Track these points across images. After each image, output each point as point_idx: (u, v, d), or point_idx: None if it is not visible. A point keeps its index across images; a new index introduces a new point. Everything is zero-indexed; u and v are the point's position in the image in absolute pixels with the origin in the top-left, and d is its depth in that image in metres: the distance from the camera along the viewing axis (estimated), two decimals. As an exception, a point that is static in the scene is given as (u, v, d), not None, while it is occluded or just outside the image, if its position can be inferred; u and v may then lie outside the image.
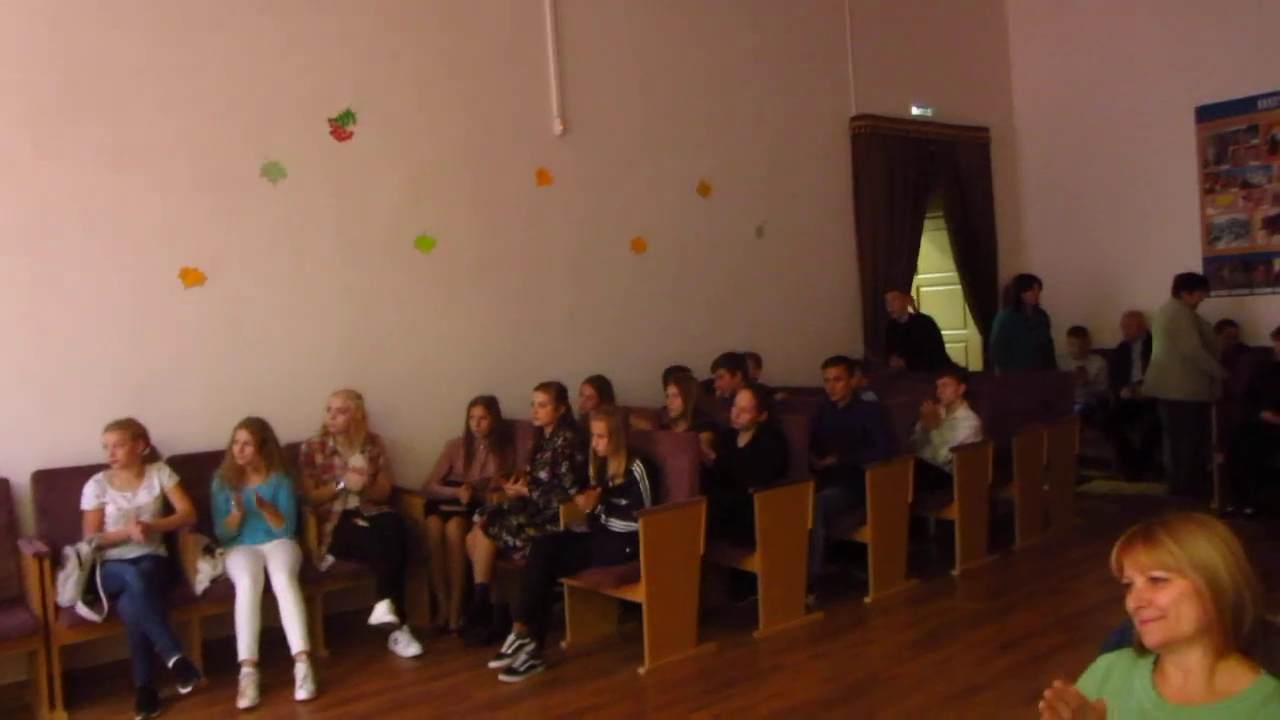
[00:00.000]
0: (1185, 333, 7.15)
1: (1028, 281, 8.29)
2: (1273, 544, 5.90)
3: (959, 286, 8.91)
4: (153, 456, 4.73)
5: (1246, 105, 8.03)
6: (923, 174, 8.51)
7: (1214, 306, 7.92)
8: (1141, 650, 1.84)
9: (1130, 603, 1.79)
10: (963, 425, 5.99)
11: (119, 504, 4.52)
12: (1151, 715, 1.78)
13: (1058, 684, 1.69)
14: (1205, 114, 8.26)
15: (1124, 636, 1.88)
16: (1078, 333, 8.57)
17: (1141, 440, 8.06)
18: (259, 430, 4.79)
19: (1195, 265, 8.24)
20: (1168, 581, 1.74)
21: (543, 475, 5.24)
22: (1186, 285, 7.38)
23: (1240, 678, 1.73)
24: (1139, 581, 1.77)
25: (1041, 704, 1.67)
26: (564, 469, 5.20)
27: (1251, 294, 8.13)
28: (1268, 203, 8.01)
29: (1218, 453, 6.90)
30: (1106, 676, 1.90)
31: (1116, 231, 8.79)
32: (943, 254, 9.10)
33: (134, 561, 4.37)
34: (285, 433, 5.07)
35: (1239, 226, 8.18)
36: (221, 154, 5.26)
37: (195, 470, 4.83)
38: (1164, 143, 8.46)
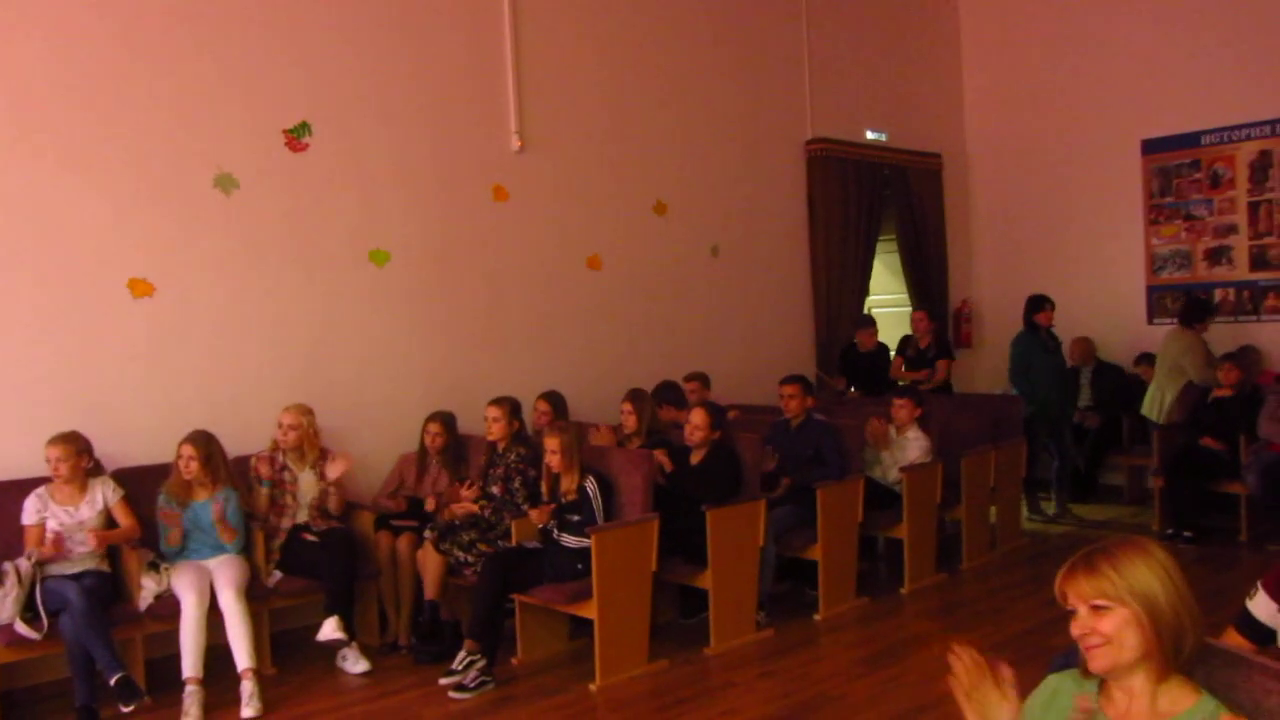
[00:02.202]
0: (1201, 366, 7.26)
1: (1039, 303, 7.73)
2: (1210, 567, 6.04)
3: (910, 309, 9.02)
4: (97, 470, 4.64)
5: (1190, 140, 8.26)
6: (876, 198, 8.63)
7: (1157, 334, 8.11)
8: (1087, 673, 1.88)
9: (1074, 630, 1.83)
10: (913, 445, 6.07)
11: (61, 519, 4.43)
12: (1097, 737, 1.83)
13: (962, 647, 1.77)
14: (1151, 147, 8.47)
15: (1070, 658, 1.92)
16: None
17: (1085, 463, 8.21)
18: (204, 445, 4.71)
19: (1140, 294, 8.45)
20: (1109, 610, 1.78)
21: (495, 491, 5.22)
22: (1195, 315, 7.48)
23: (1182, 699, 1.78)
24: (1082, 610, 1.82)
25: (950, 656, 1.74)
26: (516, 484, 5.19)
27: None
28: (1209, 235, 8.23)
29: (1157, 478, 7.05)
30: (1054, 697, 1.95)
31: (1064, 259, 8.97)
32: (894, 276, 9.22)
33: (75, 578, 4.28)
34: (237, 447, 5.01)
35: (1181, 257, 8.39)
36: (173, 164, 5.19)
37: (141, 485, 4.74)
38: (1111, 174, 8.66)
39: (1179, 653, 1.78)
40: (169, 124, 5.18)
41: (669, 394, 6.09)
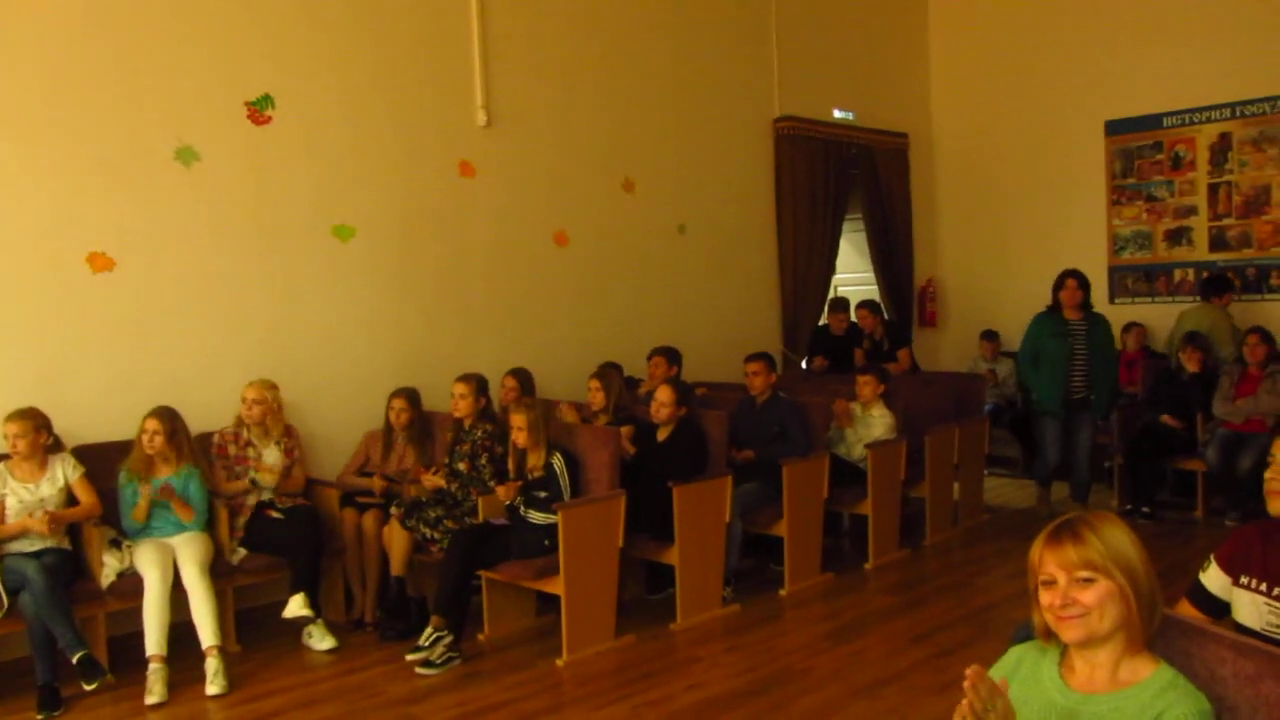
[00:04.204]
0: (1227, 340, 7.24)
1: (1061, 280, 6.80)
2: (1168, 542, 6.15)
3: (876, 287, 9.08)
4: (56, 447, 4.57)
5: (1153, 122, 8.35)
6: (843, 176, 8.65)
7: (1117, 312, 8.22)
8: (1048, 638, 1.91)
9: (1051, 599, 1.83)
10: (878, 423, 6.12)
11: (20, 496, 4.37)
12: (1058, 703, 1.87)
13: (975, 667, 1.73)
14: (1114, 129, 8.56)
15: (1032, 629, 1.95)
16: (989, 336, 8.80)
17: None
18: (168, 420, 4.67)
19: (1101, 274, 8.54)
20: (1094, 581, 1.80)
21: (461, 467, 5.21)
22: (1216, 289, 7.46)
23: (1141, 668, 1.82)
24: (1062, 580, 1.82)
25: (966, 684, 1.71)
26: (483, 461, 5.18)
27: (1152, 302, 8.46)
28: (1169, 216, 8.34)
29: (1117, 454, 7.16)
30: (1016, 667, 1.98)
31: (1027, 238, 9.08)
32: (860, 255, 9.27)
33: (35, 555, 4.23)
34: (198, 424, 4.96)
35: (1142, 238, 8.50)
36: (132, 136, 5.09)
37: (101, 462, 4.68)
38: (1074, 155, 8.76)
39: (1150, 625, 1.81)
40: (128, 95, 5.08)
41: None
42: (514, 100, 6.58)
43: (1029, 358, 6.86)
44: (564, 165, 6.86)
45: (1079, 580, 1.80)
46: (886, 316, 8.46)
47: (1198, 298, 7.79)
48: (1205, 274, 7.91)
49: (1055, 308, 6.78)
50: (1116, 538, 1.82)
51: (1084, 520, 1.86)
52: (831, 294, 8.74)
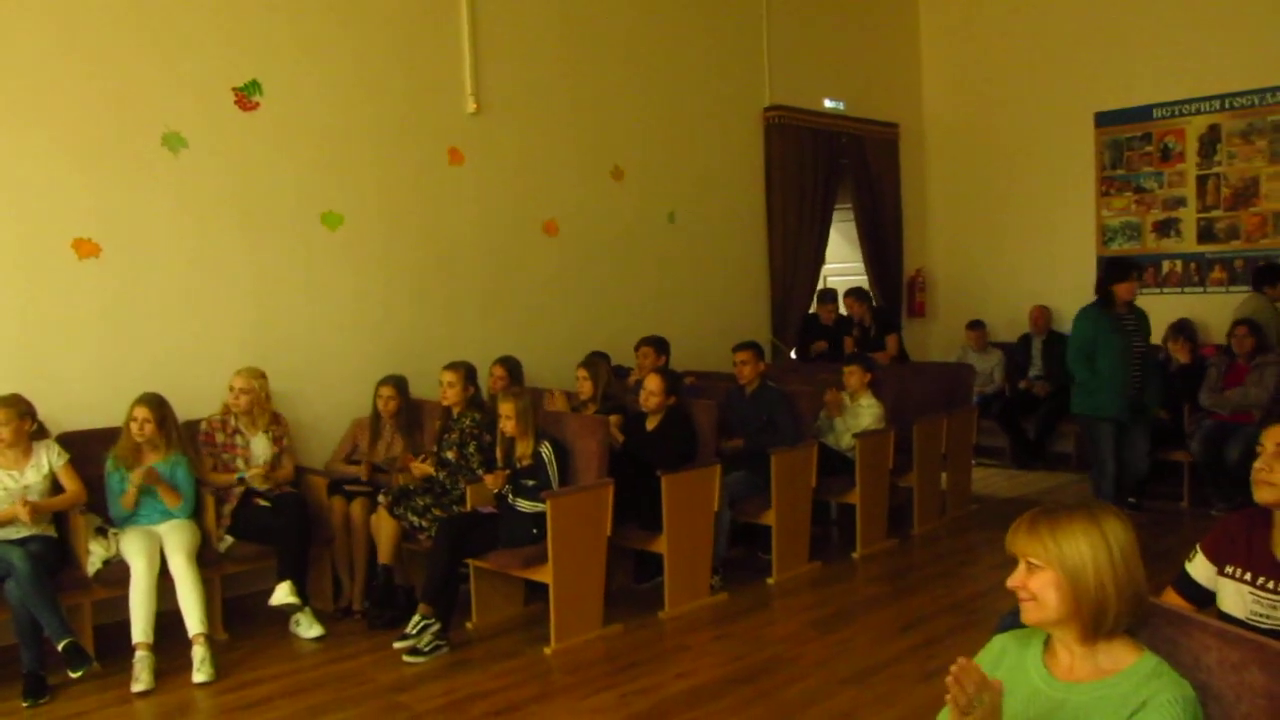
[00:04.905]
0: (1274, 330, 7.04)
1: (1122, 269, 6.15)
2: (1154, 532, 6.18)
3: (865, 277, 9.08)
4: (41, 434, 4.54)
5: (1142, 114, 8.36)
6: (833, 166, 8.65)
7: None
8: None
9: (1009, 581, 1.90)
10: (866, 412, 6.13)
11: (5, 484, 4.35)
12: (1043, 692, 1.88)
13: (961, 661, 1.74)
14: (1104, 120, 8.57)
15: (1017, 618, 1.96)
16: (976, 326, 8.82)
17: (1035, 431, 8.35)
18: (158, 407, 4.65)
19: (1090, 265, 8.55)
20: (1040, 569, 1.85)
21: (450, 456, 5.20)
22: (1268, 278, 7.28)
23: (1124, 657, 1.84)
24: (1021, 564, 1.89)
25: (949, 679, 1.73)
26: (471, 450, 5.17)
27: (1140, 294, 8.43)
28: (1158, 208, 8.36)
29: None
30: (1001, 656, 2.00)
31: (1016, 229, 9.09)
32: (850, 245, 9.27)
33: (21, 543, 4.20)
34: (184, 411, 4.94)
35: (1131, 229, 8.52)
36: (119, 121, 5.06)
37: (86, 449, 4.66)
38: (1064, 146, 8.76)
39: (1099, 625, 1.82)
40: (115, 80, 5.04)
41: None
42: (503, 88, 6.55)
43: (1083, 356, 6.04)
44: (554, 153, 6.84)
45: (1029, 565, 1.87)
46: (874, 304, 8.48)
47: (1249, 288, 7.55)
48: (1261, 262, 7.63)
49: (1107, 301, 6.09)
50: (1071, 534, 1.84)
51: (1049, 513, 1.89)
52: (820, 285, 8.75)
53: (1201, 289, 8.10)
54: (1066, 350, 6.31)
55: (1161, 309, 7.78)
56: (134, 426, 4.60)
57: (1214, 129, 7.99)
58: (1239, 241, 7.92)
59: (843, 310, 8.44)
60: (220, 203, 5.39)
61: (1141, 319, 6.17)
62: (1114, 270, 6.17)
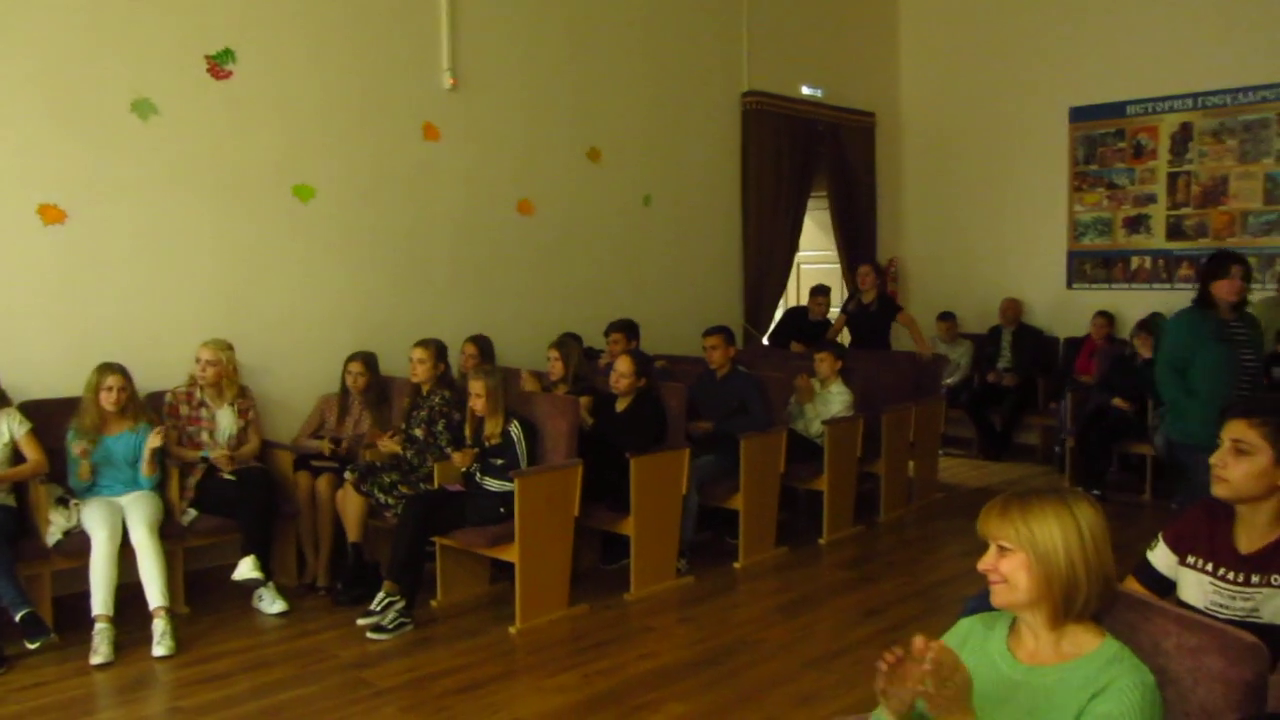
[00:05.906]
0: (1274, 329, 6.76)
1: (1222, 264, 4.74)
2: (1117, 523, 6.23)
3: (839, 265, 9.11)
4: (2, 402, 4.47)
5: (1116, 110, 8.42)
6: (809, 153, 8.65)
7: (1075, 298, 8.34)
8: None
9: (979, 564, 1.92)
10: (836, 400, 6.15)
11: (-36, 450, 4.28)
12: (1006, 675, 1.90)
13: (934, 642, 1.72)
14: (1077, 115, 8.62)
15: (983, 602, 1.98)
16: (946, 318, 8.87)
17: (1002, 422, 8.42)
18: (127, 376, 4.60)
19: (1061, 259, 8.62)
20: (1011, 552, 1.86)
21: (418, 433, 5.17)
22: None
23: (1086, 642, 1.85)
24: (992, 547, 1.90)
25: (926, 665, 1.70)
26: (440, 427, 5.14)
27: (1110, 289, 8.55)
28: (1129, 204, 8.43)
29: (1069, 437, 7.27)
30: (966, 639, 2.02)
31: (989, 222, 9.14)
32: (824, 233, 9.27)
33: (-22, 511, 4.15)
34: (149, 383, 4.89)
35: (1102, 225, 8.59)
36: (87, 86, 4.96)
37: (48, 417, 4.59)
38: (1038, 140, 8.81)
39: (1069, 607, 1.84)
40: (84, 44, 4.94)
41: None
42: (481, 64, 6.49)
43: (1174, 371, 4.74)
44: (530, 132, 6.79)
45: (1000, 548, 1.88)
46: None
47: (1275, 288, 7.37)
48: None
49: (1206, 302, 4.75)
50: (1043, 518, 1.85)
51: (1020, 497, 1.90)
52: (793, 273, 8.77)
53: (1169, 285, 8.18)
54: (1154, 364, 5.05)
55: (1130, 305, 7.87)
56: (106, 395, 4.52)
57: (1186, 127, 8.06)
58: (1207, 239, 8.00)
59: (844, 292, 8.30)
60: (190, 172, 5.30)
61: (1252, 326, 4.86)
62: (1212, 265, 4.82)
